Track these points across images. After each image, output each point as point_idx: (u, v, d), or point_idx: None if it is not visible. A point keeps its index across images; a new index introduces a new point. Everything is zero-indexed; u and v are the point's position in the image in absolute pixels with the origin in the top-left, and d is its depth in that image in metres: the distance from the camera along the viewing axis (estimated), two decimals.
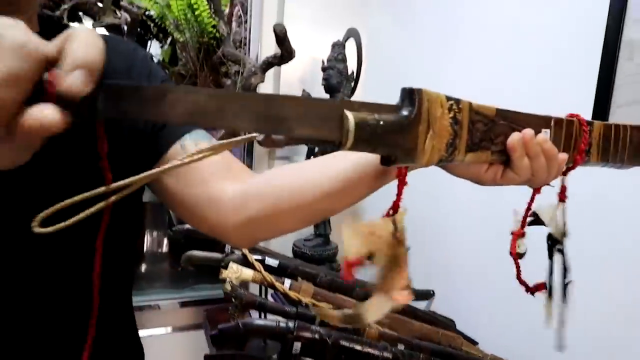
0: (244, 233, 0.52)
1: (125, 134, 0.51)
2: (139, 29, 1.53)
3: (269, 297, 1.06)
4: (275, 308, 0.80)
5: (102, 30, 1.45)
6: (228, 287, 0.83)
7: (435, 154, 0.36)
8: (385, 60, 1.42)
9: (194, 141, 0.53)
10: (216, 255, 1.05)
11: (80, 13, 1.45)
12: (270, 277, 0.88)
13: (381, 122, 0.32)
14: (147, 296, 1.43)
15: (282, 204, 0.49)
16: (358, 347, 0.71)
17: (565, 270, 0.50)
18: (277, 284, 0.87)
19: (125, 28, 1.41)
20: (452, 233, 1.15)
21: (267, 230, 0.53)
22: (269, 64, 1.19)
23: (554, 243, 0.50)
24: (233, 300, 0.79)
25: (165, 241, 1.86)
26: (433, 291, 1.18)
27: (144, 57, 0.57)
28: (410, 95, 0.34)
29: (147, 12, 1.48)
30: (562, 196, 0.49)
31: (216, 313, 1.24)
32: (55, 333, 0.50)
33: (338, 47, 1.25)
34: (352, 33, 1.28)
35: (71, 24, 1.47)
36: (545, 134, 0.43)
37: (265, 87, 1.38)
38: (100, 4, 1.41)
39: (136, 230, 0.56)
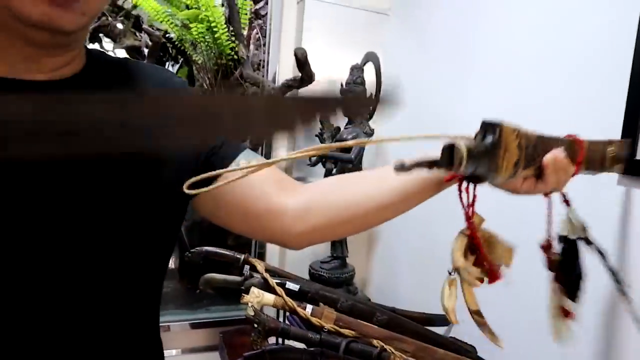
0: (304, 239, 0.60)
1: (184, 160, 0.56)
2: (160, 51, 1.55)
3: (285, 321, 1.04)
4: (299, 335, 0.79)
5: (123, 53, 1.48)
6: (251, 312, 0.82)
7: (509, 171, 0.46)
8: (404, 82, 1.43)
9: (247, 160, 0.60)
10: (235, 278, 1.04)
11: (101, 35, 1.47)
12: (292, 302, 0.87)
13: (477, 149, 0.42)
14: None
15: (341, 216, 0.57)
16: None
17: (603, 256, 0.62)
18: (299, 309, 0.86)
19: (146, 51, 1.43)
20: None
21: (325, 236, 0.62)
22: (288, 86, 1.20)
23: (587, 242, 0.61)
24: (255, 325, 0.78)
25: (177, 262, 1.85)
26: None
27: (182, 84, 0.60)
28: (492, 127, 0.44)
29: (166, 35, 1.51)
30: (566, 202, 0.61)
31: (233, 336, 1.23)
32: (101, 333, 0.53)
33: (357, 71, 1.26)
34: (371, 56, 1.29)
35: (91, 45, 1.49)
36: (563, 153, 0.54)
37: None
38: (121, 26, 1.44)
39: (172, 245, 0.61)
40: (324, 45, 1.42)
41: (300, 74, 1.15)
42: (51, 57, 0.48)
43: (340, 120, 1.35)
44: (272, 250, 1.51)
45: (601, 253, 0.62)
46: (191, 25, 1.41)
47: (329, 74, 1.41)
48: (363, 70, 1.28)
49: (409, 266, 1.37)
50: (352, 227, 0.59)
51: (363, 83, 1.26)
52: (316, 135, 1.32)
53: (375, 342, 0.85)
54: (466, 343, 1.05)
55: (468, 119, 1.12)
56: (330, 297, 0.95)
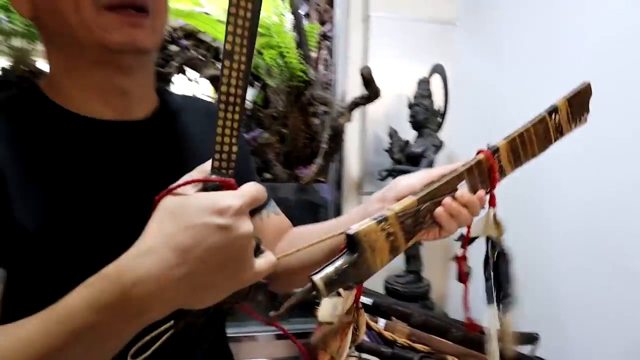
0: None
1: None
2: None
3: (365, 337, 1.06)
4: (372, 349, 0.81)
5: (204, 81, 1.61)
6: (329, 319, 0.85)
7: (385, 261, 0.48)
8: (475, 93, 1.40)
9: (273, 211, 0.69)
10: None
11: (186, 67, 1.61)
12: (365, 316, 0.89)
13: (340, 270, 0.44)
14: (244, 327, 1.50)
15: (293, 267, 0.62)
16: None
17: (506, 266, 0.60)
18: (372, 324, 0.87)
19: None
20: (557, 272, 1.08)
21: (283, 284, 0.67)
22: (356, 104, 1.23)
23: (493, 245, 0.60)
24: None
25: None
26: (538, 334, 1.11)
27: (245, 140, 0.68)
28: (352, 239, 0.45)
29: None
30: (492, 202, 0.59)
31: (313, 347, 1.26)
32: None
33: (424, 84, 1.26)
34: (438, 69, 1.28)
35: (178, 76, 1.64)
36: (461, 189, 0.54)
37: (353, 126, 1.42)
38: (203, 59, 1.56)
39: None
40: (392, 60, 1.44)
41: (366, 91, 1.18)
42: (129, 88, 0.55)
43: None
44: None
45: (504, 257, 0.60)
46: (264, 52, 1.51)
47: (398, 89, 1.42)
48: (430, 82, 1.28)
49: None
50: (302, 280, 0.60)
51: (430, 96, 1.26)
52: (385, 150, 1.33)
53: (449, 358, 0.84)
54: None
55: None
56: (404, 311, 0.96)
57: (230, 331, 1.08)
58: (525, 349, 1.08)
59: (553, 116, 0.64)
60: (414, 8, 1.46)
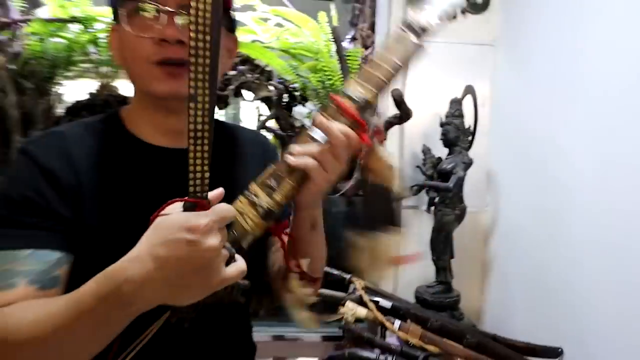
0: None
1: None
2: (287, 98, 1.83)
3: (394, 340, 1.14)
4: (382, 345, 0.90)
5: (259, 103, 1.78)
6: (350, 318, 0.95)
7: (260, 226, 0.57)
8: (511, 110, 1.44)
9: None
10: (340, 294, 1.19)
11: (242, 90, 1.80)
12: (381, 317, 0.98)
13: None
14: (290, 327, 1.61)
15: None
16: None
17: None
18: (387, 324, 0.96)
19: (275, 98, 1.71)
20: (582, 285, 1.10)
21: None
22: (390, 123, 1.33)
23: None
24: (345, 334, 0.91)
25: None
26: (562, 349, 1.12)
27: (274, 149, 0.81)
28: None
29: (292, 85, 1.77)
30: (363, 139, 0.59)
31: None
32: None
33: (455, 104, 1.33)
34: (469, 90, 1.35)
35: (235, 98, 1.83)
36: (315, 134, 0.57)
37: (392, 143, 1.52)
38: (257, 82, 1.74)
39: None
40: (430, 80, 1.51)
41: (399, 112, 1.28)
42: (179, 126, 0.69)
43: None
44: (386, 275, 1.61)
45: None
46: (310, 77, 1.65)
47: (436, 108, 1.49)
48: (462, 103, 1.35)
49: (522, 296, 1.35)
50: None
51: (461, 115, 1.33)
52: (417, 167, 1.41)
53: None
54: None
55: (572, 147, 1.11)
56: (421, 316, 1.03)
57: (276, 330, 1.24)
58: None
59: (404, 25, 0.62)
60: (454, 31, 1.53)
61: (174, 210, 0.49)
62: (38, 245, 0.59)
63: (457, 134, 1.31)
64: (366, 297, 1.03)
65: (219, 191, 0.52)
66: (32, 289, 0.57)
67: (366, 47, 1.68)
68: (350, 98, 0.59)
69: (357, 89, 0.59)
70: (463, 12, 0.63)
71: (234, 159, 0.76)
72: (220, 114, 2.12)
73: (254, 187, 0.59)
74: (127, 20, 0.63)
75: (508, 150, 1.46)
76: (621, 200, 0.96)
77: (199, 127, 0.46)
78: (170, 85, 0.64)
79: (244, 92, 1.81)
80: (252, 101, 1.84)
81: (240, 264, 0.50)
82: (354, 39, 1.85)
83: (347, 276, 1.21)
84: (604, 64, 1.03)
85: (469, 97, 1.38)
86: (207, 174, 0.48)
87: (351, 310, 0.99)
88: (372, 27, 1.64)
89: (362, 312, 1.00)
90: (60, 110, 1.65)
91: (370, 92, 0.59)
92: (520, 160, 1.38)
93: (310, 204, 0.65)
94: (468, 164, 1.29)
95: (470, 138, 1.34)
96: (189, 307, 0.51)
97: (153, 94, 0.65)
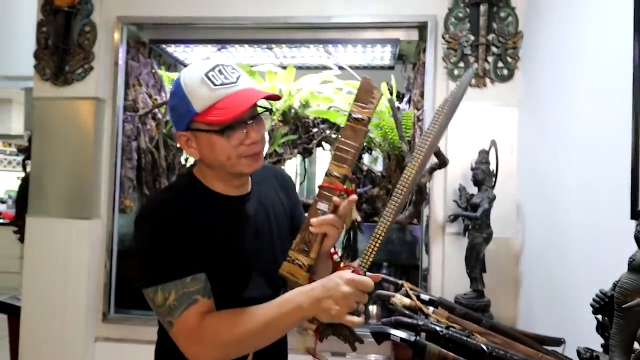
0: None
1: (285, 218, 1.10)
2: None
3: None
4: (406, 322, 1.32)
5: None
6: (398, 303, 1.40)
7: (303, 274, 0.89)
8: (532, 157, 1.82)
9: None
10: (393, 293, 1.63)
11: (323, 142, 2.35)
12: (419, 304, 1.41)
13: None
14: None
15: None
16: (462, 339, 1.17)
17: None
18: (424, 308, 1.39)
19: None
20: (580, 279, 1.33)
21: None
22: (432, 169, 1.79)
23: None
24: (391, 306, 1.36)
25: None
26: (564, 339, 1.41)
27: (294, 185, 1.17)
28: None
29: None
30: (350, 195, 0.90)
31: (402, 349, 1.73)
32: None
33: (482, 153, 1.76)
34: (493, 143, 1.78)
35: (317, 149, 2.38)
36: (324, 206, 0.90)
37: (438, 182, 1.95)
38: (333, 136, 2.29)
39: None
40: (466, 134, 1.94)
41: (437, 160, 1.74)
42: (241, 182, 1.00)
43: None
44: (435, 283, 2.00)
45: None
46: (375, 131, 2.16)
47: (471, 155, 1.91)
48: (488, 152, 1.78)
49: (542, 304, 1.69)
50: None
51: (488, 162, 1.76)
52: (454, 201, 1.84)
53: (475, 334, 1.31)
54: (566, 357, 1.32)
55: (576, 186, 1.45)
56: (450, 305, 1.45)
57: None
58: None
59: (350, 118, 0.89)
60: (487, 96, 1.96)
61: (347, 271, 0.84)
62: (194, 272, 0.87)
63: (483, 176, 1.73)
64: (410, 292, 1.47)
65: (376, 275, 0.87)
66: (205, 298, 0.87)
67: (417, 109, 2.16)
68: (335, 177, 0.89)
69: (336, 170, 0.89)
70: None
71: (271, 187, 1.09)
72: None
73: (292, 254, 0.87)
74: (220, 133, 0.88)
75: (531, 189, 1.83)
76: (620, 192, 1.10)
77: (379, 232, 0.87)
78: (254, 167, 0.93)
79: (324, 144, 2.37)
80: (329, 151, 2.38)
81: (355, 319, 0.81)
82: (409, 101, 2.33)
83: (400, 281, 1.66)
84: (596, 122, 1.37)
85: (494, 148, 1.80)
86: (371, 258, 0.85)
87: (399, 299, 1.44)
88: (422, 94, 2.12)
89: (406, 301, 1.43)
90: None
91: (345, 169, 0.89)
92: (540, 196, 1.75)
93: (329, 248, 0.92)
94: (492, 199, 1.71)
95: (494, 179, 1.75)
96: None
97: (240, 174, 0.94)
